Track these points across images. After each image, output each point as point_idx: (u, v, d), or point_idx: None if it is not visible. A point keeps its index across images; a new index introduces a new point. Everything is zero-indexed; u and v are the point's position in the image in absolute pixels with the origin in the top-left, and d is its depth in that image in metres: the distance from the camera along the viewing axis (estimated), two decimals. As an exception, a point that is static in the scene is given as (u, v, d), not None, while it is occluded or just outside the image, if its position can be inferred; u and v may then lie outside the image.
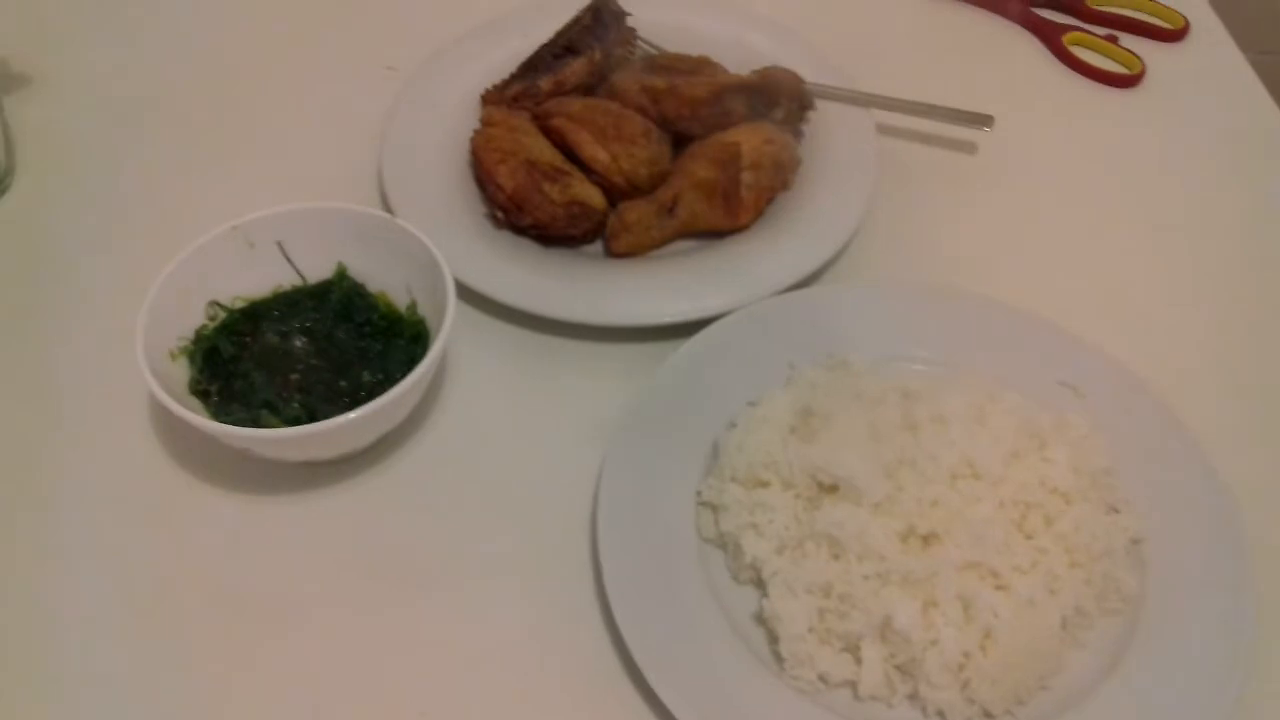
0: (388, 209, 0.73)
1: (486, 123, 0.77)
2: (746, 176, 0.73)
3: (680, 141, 0.78)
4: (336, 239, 0.67)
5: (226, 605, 0.58)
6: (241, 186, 0.78)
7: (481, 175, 0.75)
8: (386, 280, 0.67)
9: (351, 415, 0.57)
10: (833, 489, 0.58)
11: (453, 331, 0.61)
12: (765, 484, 0.60)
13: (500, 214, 0.73)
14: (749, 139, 0.74)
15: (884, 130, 0.81)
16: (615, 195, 0.75)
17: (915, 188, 0.80)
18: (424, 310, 0.65)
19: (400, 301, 0.67)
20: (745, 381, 0.65)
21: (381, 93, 0.83)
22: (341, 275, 0.67)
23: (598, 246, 0.75)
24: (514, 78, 0.82)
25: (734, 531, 0.59)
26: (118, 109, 0.85)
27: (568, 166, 0.73)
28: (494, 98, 0.81)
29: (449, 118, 0.81)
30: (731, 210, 0.73)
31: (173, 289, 0.62)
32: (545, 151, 0.74)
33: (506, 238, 0.73)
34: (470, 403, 0.67)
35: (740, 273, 0.71)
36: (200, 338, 0.64)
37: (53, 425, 0.65)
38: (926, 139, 0.84)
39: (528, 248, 0.73)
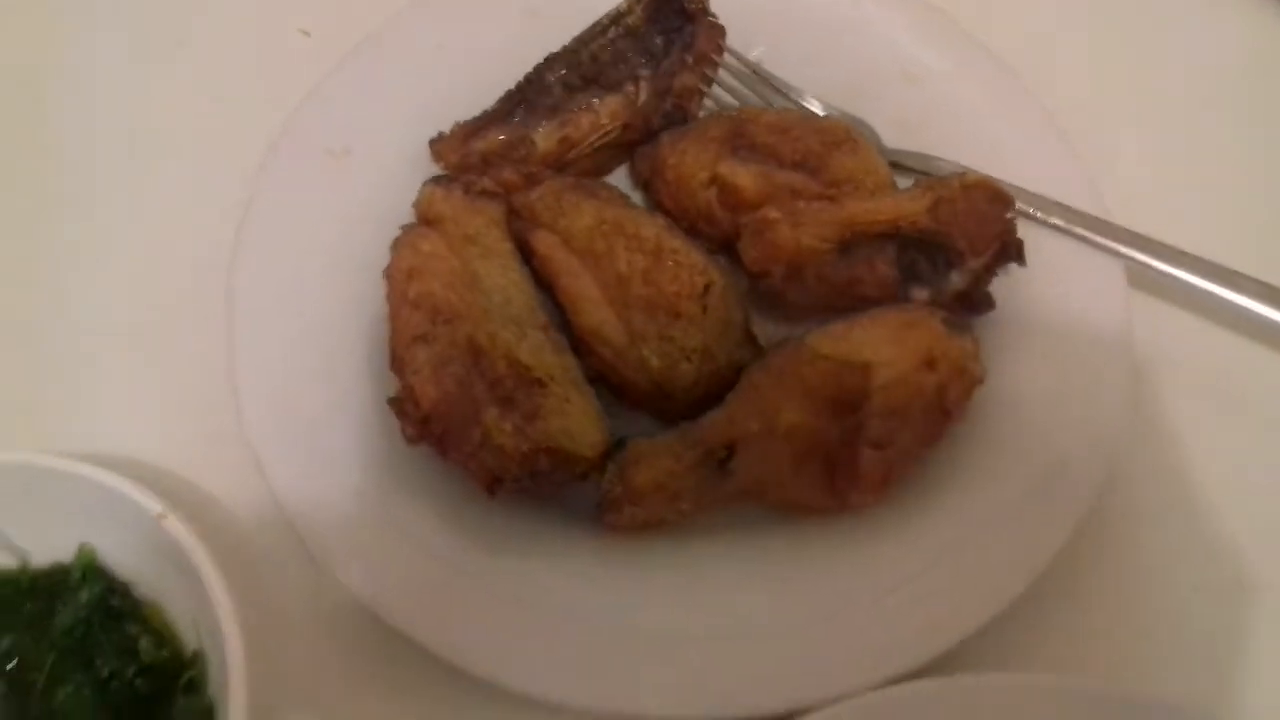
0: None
1: (424, 218, 0.42)
2: (875, 429, 0.38)
3: (761, 304, 0.42)
4: (71, 508, 0.35)
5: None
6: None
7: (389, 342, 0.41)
8: (161, 581, 0.36)
9: None
10: None
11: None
12: None
13: (410, 431, 0.40)
14: (892, 356, 0.38)
15: (1154, 297, 0.45)
16: (626, 398, 0.41)
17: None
18: (214, 663, 0.35)
19: (186, 624, 0.36)
20: None
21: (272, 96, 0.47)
22: (89, 564, 0.36)
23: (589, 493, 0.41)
24: (492, 115, 0.46)
25: None
26: None
27: (545, 369, 0.39)
28: (451, 149, 0.45)
29: (375, 185, 0.46)
30: (840, 486, 0.39)
31: None
32: (510, 320, 0.40)
33: (426, 467, 0.41)
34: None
35: (838, 625, 0.38)
36: None
37: None
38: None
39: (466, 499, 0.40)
